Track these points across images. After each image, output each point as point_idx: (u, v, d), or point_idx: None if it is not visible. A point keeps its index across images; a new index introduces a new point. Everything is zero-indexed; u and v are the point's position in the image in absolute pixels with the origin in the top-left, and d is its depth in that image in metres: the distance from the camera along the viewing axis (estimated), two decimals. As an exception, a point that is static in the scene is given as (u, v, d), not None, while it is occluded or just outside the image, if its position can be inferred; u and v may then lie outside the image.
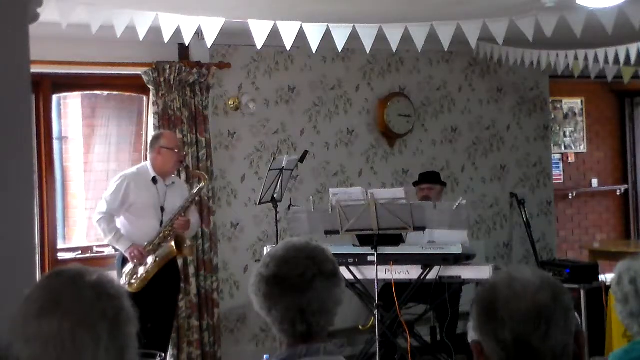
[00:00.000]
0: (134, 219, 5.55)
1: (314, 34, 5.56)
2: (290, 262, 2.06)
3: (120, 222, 5.56)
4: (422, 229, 5.52)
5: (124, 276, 5.45)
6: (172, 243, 5.50)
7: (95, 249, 6.38)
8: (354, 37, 5.58)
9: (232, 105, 6.74)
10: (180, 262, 5.94)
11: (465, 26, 5.59)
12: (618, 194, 10.03)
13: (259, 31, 5.41)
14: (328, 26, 5.54)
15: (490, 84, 8.20)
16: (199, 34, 5.58)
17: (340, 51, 5.87)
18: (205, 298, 6.40)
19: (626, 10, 5.38)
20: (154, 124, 6.27)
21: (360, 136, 7.41)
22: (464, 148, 8.00)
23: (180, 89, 6.34)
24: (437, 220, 5.50)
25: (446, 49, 5.79)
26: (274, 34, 5.46)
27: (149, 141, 5.89)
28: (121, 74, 6.33)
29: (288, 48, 5.59)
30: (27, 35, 2.58)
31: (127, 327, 1.54)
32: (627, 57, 6.51)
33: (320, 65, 7.17)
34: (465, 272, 5.55)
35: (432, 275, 5.54)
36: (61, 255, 6.11)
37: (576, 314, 1.77)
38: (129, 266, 5.48)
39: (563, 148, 9.62)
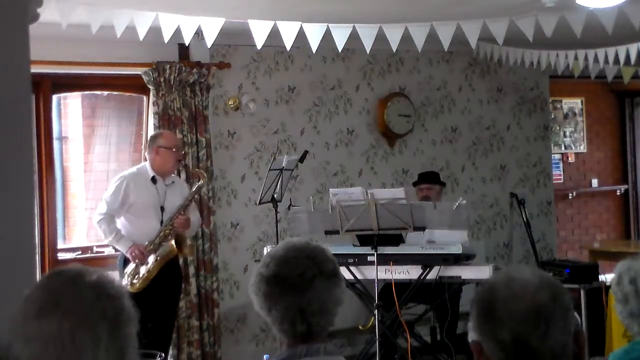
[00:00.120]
0: (134, 219, 5.55)
1: (314, 34, 5.56)
2: (291, 262, 2.06)
3: (120, 222, 5.56)
4: (422, 229, 5.52)
5: (126, 276, 5.46)
6: (172, 242, 5.50)
7: (95, 249, 6.38)
8: (354, 37, 5.58)
9: (232, 105, 6.74)
10: (180, 262, 5.94)
11: (465, 26, 5.59)
12: (618, 194, 10.02)
13: (259, 31, 5.40)
14: (328, 26, 5.54)
15: (490, 84, 8.20)
16: (199, 34, 5.57)
17: (340, 51, 5.87)
18: (205, 298, 6.40)
19: (626, 10, 5.38)
20: (154, 124, 6.27)
21: (360, 136, 7.41)
22: (464, 148, 8.00)
23: (180, 89, 6.34)
24: (437, 220, 5.50)
25: (446, 49, 5.79)
26: (274, 34, 5.46)
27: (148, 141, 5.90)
28: (121, 74, 6.33)
29: (288, 48, 5.59)
30: (27, 35, 2.59)
31: (127, 327, 1.54)
32: (627, 57, 6.51)
33: (320, 65, 7.16)
34: (465, 272, 5.55)
35: (432, 275, 5.53)
36: (61, 255, 6.11)
37: (576, 314, 1.77)
38: (131, 266, 5.48)
39: (563, 148, 9.62)
